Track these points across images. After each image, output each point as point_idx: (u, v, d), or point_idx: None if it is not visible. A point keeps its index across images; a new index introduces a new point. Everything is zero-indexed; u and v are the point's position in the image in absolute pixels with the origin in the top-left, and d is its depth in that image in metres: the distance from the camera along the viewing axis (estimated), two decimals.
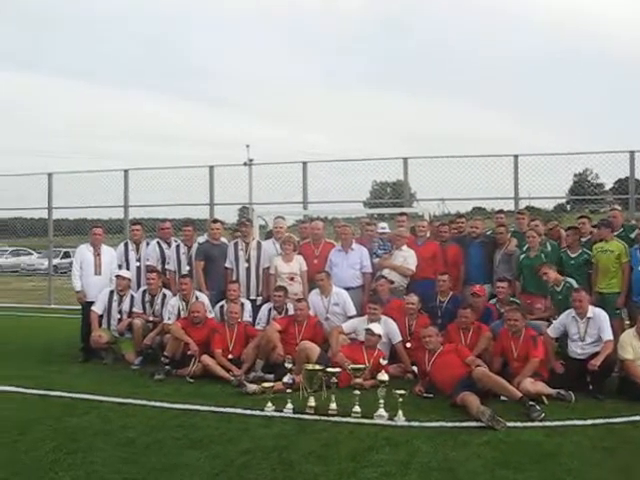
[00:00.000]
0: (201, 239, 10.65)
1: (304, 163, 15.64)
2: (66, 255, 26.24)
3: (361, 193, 17.29)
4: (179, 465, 5.49)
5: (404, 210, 11.80)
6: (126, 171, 17.41)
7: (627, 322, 9.08)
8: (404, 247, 9.99)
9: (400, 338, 8.84)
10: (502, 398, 7.21)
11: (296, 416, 6.94)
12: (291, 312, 9.29)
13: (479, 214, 14.34)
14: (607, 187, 18.62)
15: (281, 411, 7.03)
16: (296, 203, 15.52)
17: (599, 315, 8.07)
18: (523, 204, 14.97)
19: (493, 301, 9.35)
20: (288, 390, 7.27)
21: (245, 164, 21.29)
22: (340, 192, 15.71)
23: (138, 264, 10.65)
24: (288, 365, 7.55)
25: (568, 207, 17.97)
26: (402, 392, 6.75)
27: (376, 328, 8.49)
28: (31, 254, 34.97)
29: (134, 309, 10.07)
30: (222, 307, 9.68)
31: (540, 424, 6.58)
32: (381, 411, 6.79)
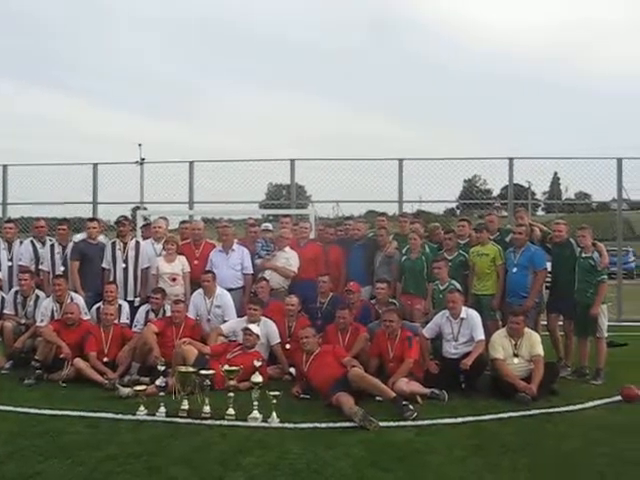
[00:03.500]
0: (77, 238, 10.31)
1: (190, 162, 15.41)
2: None
3: (257, 194, 17.32)
4: (39, 474, 5.29)
5: (289, 212, 11.81)
6: (5, 166, 16.57)
7: (501, 323, 9.37)
8: (287, 248, 9.99)
9: (278, 339, 8.82)
10: (377, 398, 7.27)
11: (168, 420, 6.79)
12: (169, 314, 9.13)
13: (372, 217, 14.53)
14: (495, 193, 19.35)
15: (153, 415, 6.87)
16: (183, 203, 15.25)
17: (472, 316, 8.33)
18: (414, 208, 15.34)
19: (374, 302, 9.45)
20: (162, 393, 7.08)
21: (137, 163, 20.71)
22: (236, 193, 15.58)
23: (10, 264, 10.21)
24: (161, 368, 7.38)
25: (458, 212, 18.46)
26: (276, 393, 6.70)
27: (254, 328, 8.45)
28: None
29: (5, 311, 9.64)
30: (99, 309, 9.36)
31: (412, 423, 6.67)
32: (255, 413, 6.73)
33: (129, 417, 6.87)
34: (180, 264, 9.79)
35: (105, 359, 8.68)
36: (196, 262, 9.97)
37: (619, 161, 14.58)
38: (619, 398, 7.59)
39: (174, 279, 9.69)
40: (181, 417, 6.84)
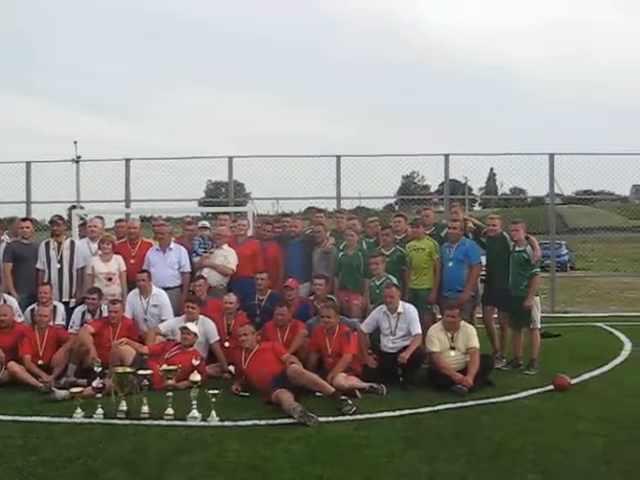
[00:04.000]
0: (8, 238, 10.07)
1: (127, 160, 15.16)
2: None
3: (195, 192, 17.22)
4: None
5: (227, 209, 11.76)
6: None
7: (439, 317, 9.50)
8: (225, 246, 9.94)
9: (217, 338, 8.78)
10: (317, 394, 7.30)
11: (106, 421, 6.70)
12: (105, 314, 9.00)
13: (312, 214, 14.59)
14: (433, 189, 19.66)
15: (91, 417, 6.77)
16: (119, 202, 14.99)
17: (409, 310, 8.45)
18: (354, 204, 15.44)
19: (313, 298, 9.48)
20: (99, 395, 6.99)
21: (73, 161, 20.24)
22: (174, 191, 15.41)
23: None
24: (98, 369, 7.29)
25: (397, 207, 18.68)
26: (215, 392, 6.68)
27: (192, 327, 8.41)
28: None
29: None
30: (33, 310, 9.16)
31: (351, 418, 6.73)
32: (194, 412, 6.70)
33: (65, 420, 6.75)
34: (116, 263, 9.66)
35: (40, 362, 8.48)
36: (132, 261, 9.85)
37: (551, 157, 14.95)
38: (552, 387, 7.79)
39: (110, 279, 9.55)
40: (119, 418, 6.76)
